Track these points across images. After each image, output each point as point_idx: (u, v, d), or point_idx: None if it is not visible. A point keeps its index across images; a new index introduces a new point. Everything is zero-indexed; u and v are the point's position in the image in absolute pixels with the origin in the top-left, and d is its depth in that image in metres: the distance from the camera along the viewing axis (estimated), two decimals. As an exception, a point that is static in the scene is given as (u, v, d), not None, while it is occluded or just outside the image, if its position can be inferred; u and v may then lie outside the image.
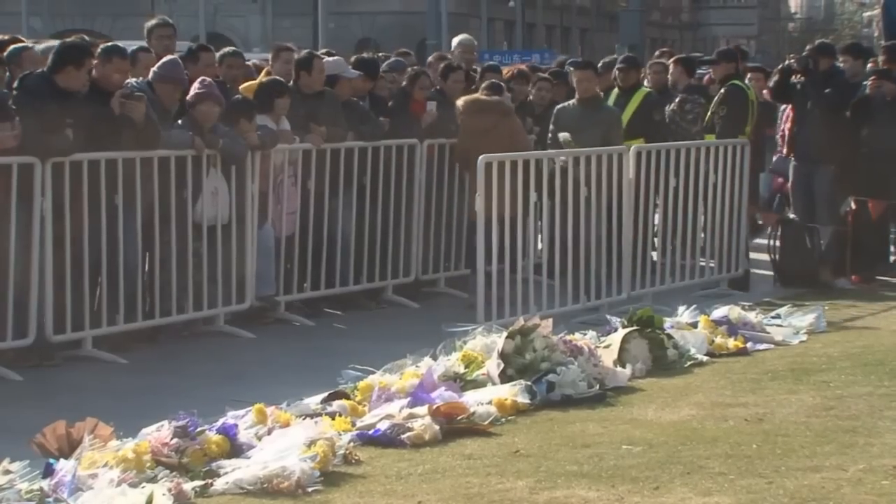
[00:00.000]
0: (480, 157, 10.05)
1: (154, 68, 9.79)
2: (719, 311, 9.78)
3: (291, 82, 10.72)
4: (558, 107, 11.81)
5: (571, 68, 13.24)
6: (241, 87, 10.60)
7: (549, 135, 11.64)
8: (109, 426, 6.51)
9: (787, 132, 13.37)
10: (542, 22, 52.36)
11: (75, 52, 8.98)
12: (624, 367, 8.35)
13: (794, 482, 6.12)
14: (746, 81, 12.84)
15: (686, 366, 8.75)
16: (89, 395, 8.05)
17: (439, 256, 11.73)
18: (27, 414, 7.27)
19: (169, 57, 9.86)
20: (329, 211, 10.78)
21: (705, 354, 9.00)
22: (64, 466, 6.00)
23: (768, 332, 9.70)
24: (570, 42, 54.84)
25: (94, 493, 5.82)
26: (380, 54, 13.20)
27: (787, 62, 13.03)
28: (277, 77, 10.69)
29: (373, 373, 7.83)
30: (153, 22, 11.00)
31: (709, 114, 12.37)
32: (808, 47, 13.27)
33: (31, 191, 8.70)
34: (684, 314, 9.58)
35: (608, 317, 9.62)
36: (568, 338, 8.40)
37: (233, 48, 11.74)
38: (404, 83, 11.78)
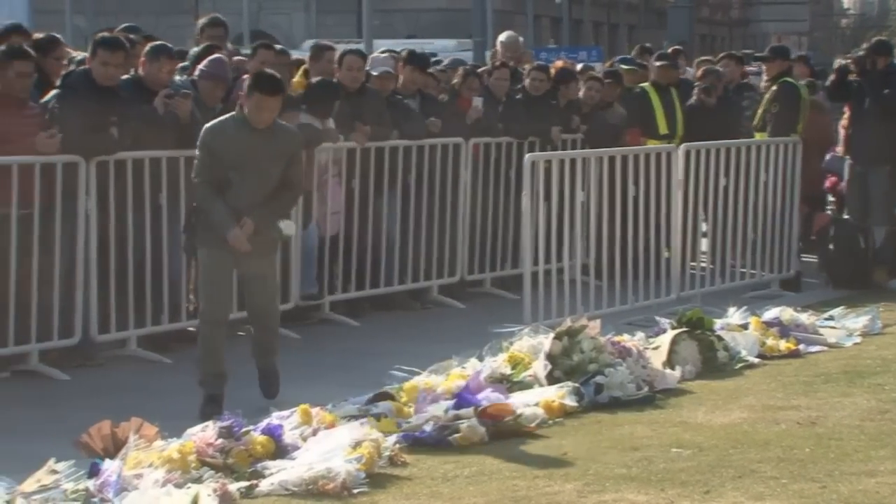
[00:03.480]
0: (527, 156, 9.99)
1: (200, 66, 9.77)
2: (771, 313, 9.67)
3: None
4: None
5: (623, 66, 13.17)
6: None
7: None
8: (154, 426, 6.49)
9: (842, 131, 13.23)
10: (588, 18, 52.21)
11: (107, 38, 8.99)
12: (673, 368, 8.27)
13: (849, 487, 6.04)
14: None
15: (737, 368, 8.67)
16: (134, 395, 8.04)
17: (485, 256, 11.66)
18: (72, 414, 7.26)
19: (214, 55, 9.83)
20: (374, 210, 10.73)
21: (756, 356, 8.91)
22: (109, 466, 5.99)
23: (821, 334, 9.58)
24: (617, 39, 54.60)
25: (139, 493, 5.81)
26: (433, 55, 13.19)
27: (843, 62, 12.89)
28: (327, 78, 10.63)
29: (418, 374, 7.78)
30: (205, 20, 11.00)
31: (760, 112, 12.25)
32: (863, 46, 13.13)
33: (75, 190, 8.69)
34: (735, 315, 9.47)
35: (657, 318, 9.53)
36: (616, 339, 8.32)
37: (280, 46, 11.71)
38: (455, 81, 11.71)
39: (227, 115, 7.74)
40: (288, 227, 7.81)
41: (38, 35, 9.54)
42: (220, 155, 7.54)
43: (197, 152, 7.68)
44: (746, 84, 13.42)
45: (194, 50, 10.60)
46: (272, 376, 7.90)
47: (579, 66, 13.82)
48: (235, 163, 7.52)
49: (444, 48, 26.02)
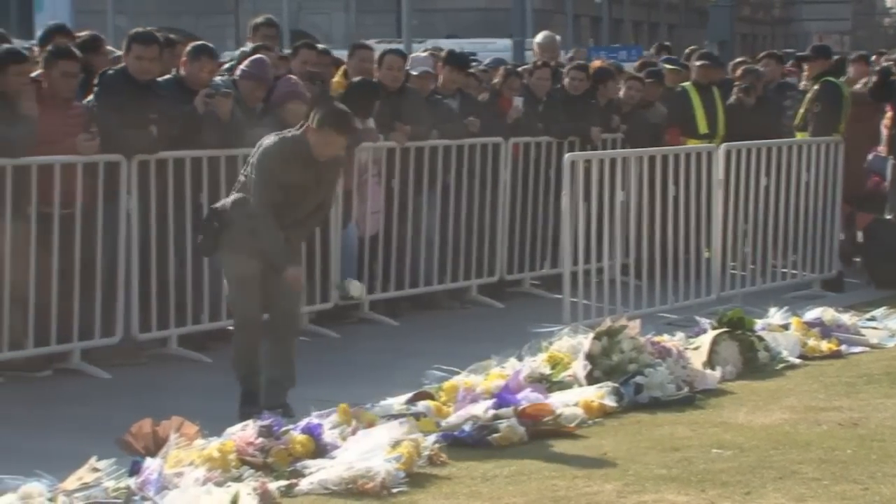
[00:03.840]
0: (567, 156, 9.97)
1: (241, 66, 9.80)
2: (812, 313, 9.61)
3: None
4: None
5: (667, 65, 13.13)
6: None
7: None
8: (195, 425, 6.52)
9: (885, 131, 13.12)
10: (629, 18, 52.08)
11: (141, 33, 9.04)
12: (714, 369, 8.24)
13: (891, 489, 6.01)
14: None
15: (778, 368, 8.63)
16: (174, 394, 8.07)
17: (525, 256, 11.64)
18: (114, 412, 7.30)
19: (256, 56, 9.86)
20: (413, 210, 10.73)
21: (798, 357, 8.86)
22: (150, 465, 6.01)
23: (863, 335, 9.52)
24: (657, 38, 54.42)
25: (179, 491, 5.83)
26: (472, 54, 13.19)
27: (885, 64, 12.80)
28: (367, 78, 10.65)
29: (458, 373, 7.78)
30: (259, 20, 11.03)
31: (801, 111, 12.17)
32: None
33: (117, 189, 8.74)
34: (776, 316, 9.42)
35: (697, 318, 9.49)
36: (656, 339, 8.30)
37: (322, 46, 11.74)
38: (495, 80, 11.71)
39: (287, 138, 7.36)
40: (356, 287, 7.68)
41: (81, 34, 9.61)
42: (279, 180, 7.31)
43: (256, 172, 7.30)
44: (788, 83, 13.34)
45: (243, 49, 10.63)
46: (282, 387, 7.47)
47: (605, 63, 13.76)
48: (288, 188, 7.32)
49: (506, 47, 26.05)
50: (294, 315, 7.69)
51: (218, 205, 7.63)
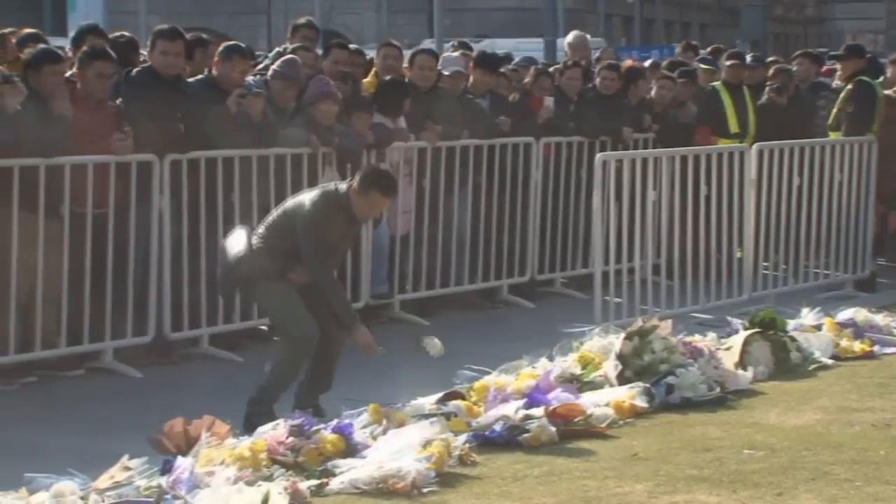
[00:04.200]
0: (598, 156, 9.95)
1: (273, 66, 9.82)
2: (845, 314, 9.56)
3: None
4: None
5: (702, 65, 13.08)
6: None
7: None
8: (226, 424, 6.54)
9: None
10: (661, 17, 51.94)
11: (165, 29, 9.09)
12: (745, 369, 8.21)
13: (924, 491, 5.95)
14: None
15: (810, 369, 8.59)
16: (206, 393, 8.09)
17: (556, 256, 11.62)
18: (146, 411, 7.33)
19: (288, 56, 9.88)
20: (444, 209, 10.74)
21: (830, 358, 8.81)
22: (182, 464, 6.03)
23: (896, 335, 9.46)
24: (689, 38, 54.22)
25: (210, 490, 5.85)
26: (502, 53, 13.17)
27: None
28: (396, 77, 10.66)
29: (488, 373, 7.77)
30: (300, 21, 11.06)
31: (834, 111, 12.11)
32: None
33: (149, 189, 8.78)
34: (808, 316, 9.37)
35: (729, 318, 9.46)
36: (687, 339, 8.27)
37: (354, 46, 11.76)
38: (526, 80, 11.69)
39: (332, 197, 7.29)
40: (434, 346, 7.52)
41: (115, 34, 9.65)
42: (325, 235, 7.29)
43: (310, 231, 7.24)
44: (822, 83, 13.26)
45: (278, 49, 10.66)
46: (315, 391, 7.46)
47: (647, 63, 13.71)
48: (331, 245, 7.34)
49: (537, 48, 26.04)
50: (343, 343, 7.55)
51: (232, 258, 7.38)
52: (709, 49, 15.12)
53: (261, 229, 7.49)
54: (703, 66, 13.30)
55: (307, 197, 7.40)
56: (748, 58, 13.49)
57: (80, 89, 8.59)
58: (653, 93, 12.39)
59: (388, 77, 10.56)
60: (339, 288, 7.51)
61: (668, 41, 48.01)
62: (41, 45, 8.86)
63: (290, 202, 7.50)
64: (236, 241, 7.45)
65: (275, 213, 7.54)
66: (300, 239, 7.27)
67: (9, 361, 8.23)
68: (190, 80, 9.35)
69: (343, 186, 7.36)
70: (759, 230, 10.94)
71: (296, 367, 7.38)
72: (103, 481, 5.88)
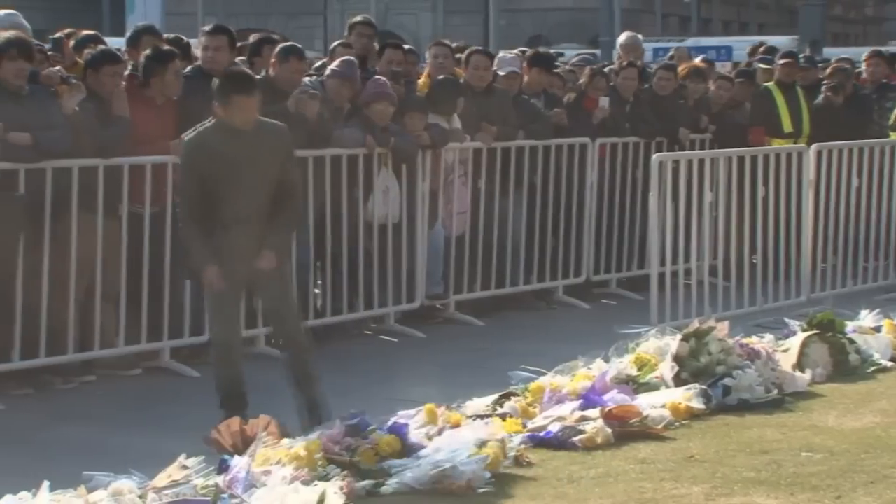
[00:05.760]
0: (654, 156, 9.91)
1: (331, 66, 9.86)
2: (905, 315, 9.46)
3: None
4: None
5: (762, 65, 12.99)
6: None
7: None
8: (282, 423, 6.55)
9: None
10: (718, 17, 51.66)
11: (212, 27, 9.17)
12: (803, 371, 8.14)
13: None
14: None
15: (869, 371, 8.50)
16: (261, 393, 8.11)
17: (611, 257, 11.58)
18: (202, 410, 7.36)
19: (346, 57, 9.91)
20: (499, 210, 10.73)
21: (889, 360, 8.72)
22: (238, 463, 6.06)
23: (958, 337, 9.33)
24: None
25: (267, 489, 5.87)
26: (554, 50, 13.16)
27: None
28: (449, 76, 10.67)
29: (544, 374, 7.75)
30: (357, 18, 11.09)
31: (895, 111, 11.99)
32: None
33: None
34: (867, 318, 9.27)
35: (787, 320, 9.37)
36: (745, 341, 8.21)
37: (408, 46, 11.78)
38: (581, 80, 11.67)
39: (203, 127, 7.11)
40: None
41: (167, 36, 9.73)
42: (206, 170, 6.97)
43: (181, 181, 7.13)
44: (891, 85, 13.08)
45: (333, 46, 10.71)
46: (319, 407, 7.14)
47: (698, 59, 13.63)
48: (225, 175, 6.95)
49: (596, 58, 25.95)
50: (296, 337, 7.28)
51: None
52: (762, 48, 14.99)
53: None
54: (762, 65, 13.20)
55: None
56: (803, 57, 13.39)
57: (150, 89, 8.64)
58: (710, 93, 12.33)
59: (440, 76, 10.57)
60: (193, 238, 7.07)
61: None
62: (101, 47, 8.94)
63: None
64: None
65: None
66: None
67: (68, 360, 8.31)
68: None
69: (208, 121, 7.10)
70: (817, 231, 10.85)
71: (221, 369, 7.22)
72: (161, 480, 5.92)
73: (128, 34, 9.89)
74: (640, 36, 13.78)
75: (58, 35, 9.76)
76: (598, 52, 27.05)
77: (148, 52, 8.76)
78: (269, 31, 10.75)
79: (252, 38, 10.43)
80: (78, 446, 6.71)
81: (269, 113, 9.04)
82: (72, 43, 9.33)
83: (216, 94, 7.08)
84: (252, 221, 7.02)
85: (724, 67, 15.87)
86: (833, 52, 20.92)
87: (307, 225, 9.31)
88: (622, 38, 13.54)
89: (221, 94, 7.02)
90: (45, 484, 5.70)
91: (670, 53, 13.91)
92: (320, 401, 7.20)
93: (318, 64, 10.74)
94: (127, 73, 8.75)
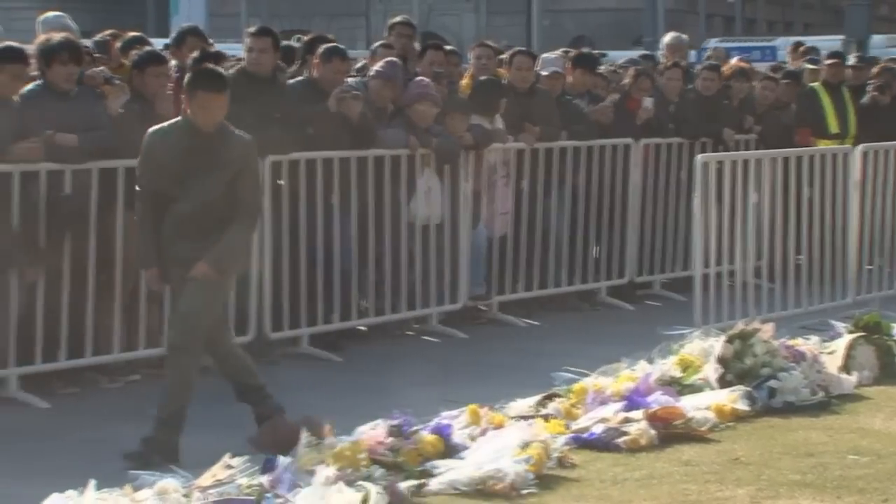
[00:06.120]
0: (699, 157, 9.87)
1: (374, 67, 9.87)
2: (953, 318, 9.37)
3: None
4: None
5: (808, 65, 12.91)
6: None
7: None
8: (326, 423, 6.55)
9: None
10: (763, 17, 51.36)
11: (263, 29, 9.18)
12: (849, 373, 8.07)
13: None
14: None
15: (917, 374, 8.42)
16: (306, 393, 8.14)
17: (655, 258, 11.54)
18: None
19: (389, 58, 9.91)
20: (542, 211, 10.70)
21: (937, 362, 8.63)
22: (282, 463, 6.07)
23: None
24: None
25: (311, 489, 5.88)
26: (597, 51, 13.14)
27: None
28: (492, 76, 10.66)
29: (587, 375, 7.73)
30: (397, 19, 11.11)
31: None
32: None
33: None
34: (915, 320, 9.20)
35: (832, 322, 9.31)
36: (790, 343, 8.17)
37: (450, 47, 11.78)
38: (625, 81, 11.63)
39: (173, 120, 6.95)
40: None
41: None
42: (162, 163, 6.78)
43: (138, 167, 6.94)
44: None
45: (373, 47, 10.72)
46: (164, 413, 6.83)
47: (735, 59, 13.56)
48: (179, 173, 6.73)
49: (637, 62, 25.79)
50: (173, 340, 6.86)
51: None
52: (801, 47, 14.89)
53: None
54: (809, 65, 13.12)
55: None
56: (852, 58, 13.29)
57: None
58: (755, 93, 12.26)
59: (482, 77, 10.56)
60: (143, 227, 6.89)
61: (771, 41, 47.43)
62: (146, 48, 8.99)
63: None
64: None
65: None
66: None
67: (113, 360, 8.36)
68: (290, 81, 9.43)
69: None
70: (863, 232, 10.76)
71: (174, 376, 6.94)
72: (205, 479, 5.94)
73: (172, 35, 9.94)
74: (684, 36, 13.72)
75: (100, 36, 9.79)
76: (655, 53, 26.95)
77: (195, 54, 8.80)
78: (309, 32, 10.73)
79: (304, 37, 10.44)
80: (124, 445, 6.74)
81: (311, 113, 9.13)
82: (118, 44, 9.38)
83: (185, 87, 6.91)
84: (199, 228, 6.73)
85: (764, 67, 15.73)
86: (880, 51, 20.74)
87: (350, 226, 9.32)
88: (667, 38, 13.49)
89: (189, 88, 6.79)
90: (92, 483, 5.74)
91: (708, 53, 13.85)
92: (171, 410, 6.89)
93: (359, 65, 10.75)
94: (173, 74, 8.79)
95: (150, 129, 6.94)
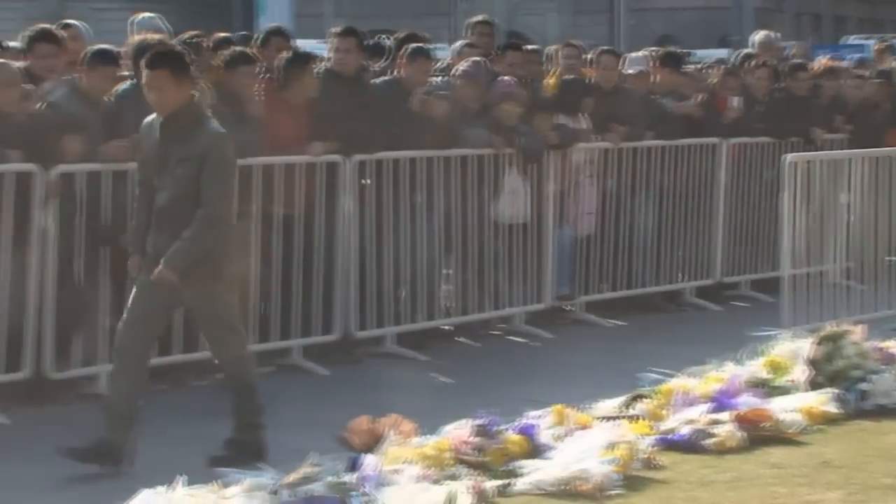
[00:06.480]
0: (787, 157, 9.77)
1: (459, 66, 9.87)
2: None
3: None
4: None
5: None
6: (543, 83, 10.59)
7: None
8: (411, 422, 6.57)
9: None
10: (853, 15, 50.68)
11: (348, 29, 9.23)
12: (942, 377, 7.93)
13: None
14: None
15: None
16: (391, 391, 8.16)
17: (742, 258, 11.43)
18: (333, 408, 7.44)
19: (474, 58, 9.91)
20: (628, 211, 10.65)
21: None
22: (368, 461, 6.09)
23: None
24: (883, 36, 52.77)
25: (397, 488, 5.89)
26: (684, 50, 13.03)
27: None
28: (577, 76, 10.62)
29: (673, 376, 7.67)
30: (476, 18, 11.12)
31: None
32: None
33: (335, 189, 8.89)
34: None
35: (925, 324, 9.18)
36: (881, 345, 8.04)
37: (532, 46, 11.75)
38: (712, 80, 11.53)
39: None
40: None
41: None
42: (147, 152, 6.67)
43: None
44: None
45: (453, 46, 10.72)
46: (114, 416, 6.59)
47: (824, 58, 13.37)
48: (151, 163, 6.60)
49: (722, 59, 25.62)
50: (121, 341, 6.68)
51: None
52: (885, 45, 14.65)
53: None
54: None
55: None
56: None
57: (294, 90, 8.72)
58: (847, 92, 12.09)
59: (567, 76, 10.53)
60: (136, 215, 6.74)
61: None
62: (235, 48, 9.05)
63: None
64: None
65: None
66: None
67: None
68: (375, 80, 9.47)
69: None
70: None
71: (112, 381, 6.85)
72: (292, 477, 5.97)
73: (257, 35, 10.01)
74: (774, 34, 13.58)
75: (188, 36, 9.86)
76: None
77: (287, 54, 8.86)
78: (394, 32, 10.74)
79: (392, 37, 10.45)
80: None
81: (396, 114, 9.15)
82: (208, 44, 9.45)
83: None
84: (172, 221, 6.52)
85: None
86: None
87: (434, 226, 9.34)
88: (759, 36, 13.35)
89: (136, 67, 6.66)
90: (181, 479, 5.79)
91: (792, 51, 13.67)
92: (248, 410, 6.77)
93: (443, 64, 10.75)
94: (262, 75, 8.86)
95: (145, 121, 6.76)
